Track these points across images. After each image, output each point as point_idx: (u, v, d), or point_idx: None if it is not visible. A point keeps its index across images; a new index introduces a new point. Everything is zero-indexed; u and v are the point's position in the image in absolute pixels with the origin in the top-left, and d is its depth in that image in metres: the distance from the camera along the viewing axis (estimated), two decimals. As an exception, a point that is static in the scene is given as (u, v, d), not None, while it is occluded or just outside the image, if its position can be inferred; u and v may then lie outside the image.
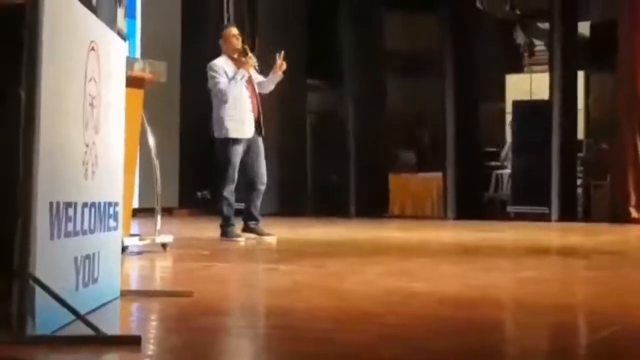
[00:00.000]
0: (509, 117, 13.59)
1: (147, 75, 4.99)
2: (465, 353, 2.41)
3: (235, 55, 7.06)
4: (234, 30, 7.22)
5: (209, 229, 7.53)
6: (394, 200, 13.11)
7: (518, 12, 15.21)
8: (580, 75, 12.80)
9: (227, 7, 13.27)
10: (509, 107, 13.65)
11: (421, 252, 6.55)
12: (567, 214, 11.51)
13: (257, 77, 7.21)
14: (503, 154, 13.74)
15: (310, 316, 3.24)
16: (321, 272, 4.82)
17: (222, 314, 3.09)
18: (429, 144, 14.32)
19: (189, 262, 5.06)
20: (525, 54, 15.42)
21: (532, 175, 11.89)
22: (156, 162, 5.48)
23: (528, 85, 14.46)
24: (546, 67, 12.74)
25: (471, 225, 10.61)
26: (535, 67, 14.89)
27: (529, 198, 11.96)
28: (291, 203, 12.50)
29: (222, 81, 6.91)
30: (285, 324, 2.93)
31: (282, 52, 7.19)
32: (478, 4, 13.49)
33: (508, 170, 13.03)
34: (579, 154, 12.56)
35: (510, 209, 12.31)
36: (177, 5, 12.75)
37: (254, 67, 7.10)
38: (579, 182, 12.36)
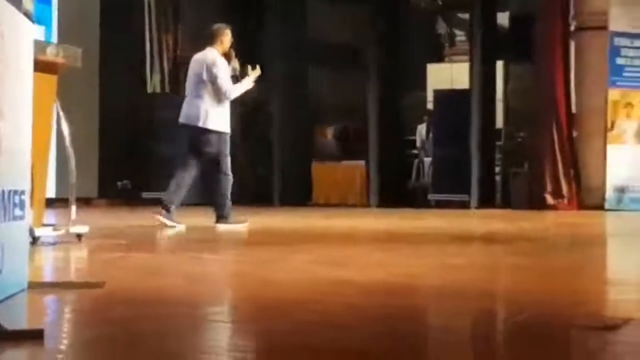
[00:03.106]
0: (429, 106, 13.72)
1: (60, 60, 4.82)
2: (392, 339, 2.40)
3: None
4: (230, 32, 7.46)
5: (128, 219, 7.41)
6: (318, 188, 13.12)
7: (440, 2, 15.40)
8: (499, 65, 13.01)
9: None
10: (430, 96, 13.79)
11: (347, 240, 6.55)
12: (486, 201, 11.72)
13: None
14: (419, 142, 13.89)
15: (235, 305, 3.18)
16: (246, 261, 4.77)
17: (136, 305, 3.00)
18: (352, 132, 14.36)
19: (105, 253, 4.93)
20: (446, 44, 15.62)
21: (453, 164, 12.04)
22: (71, 151, 5.32)
23: (449, 74, 14.64)
24: (466, 57, 12.91)
25: (394, 213, 10.68)
26: (456, 57, 15.10)
27: (450, 186, 12.12)
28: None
29: (229, 83, 7.26)
30: (206, 314, 2.88)
31: (257, 67, 7.47)
32: (401, -6, 13.57)
33: (429, 159, 13.17)
34: (498, 143, 12.78)
35: (431, 196, 12.44)
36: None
37: (236, 72, 7.45)
38: (497, 170, 12.58)
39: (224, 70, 7.27)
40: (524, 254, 5.29)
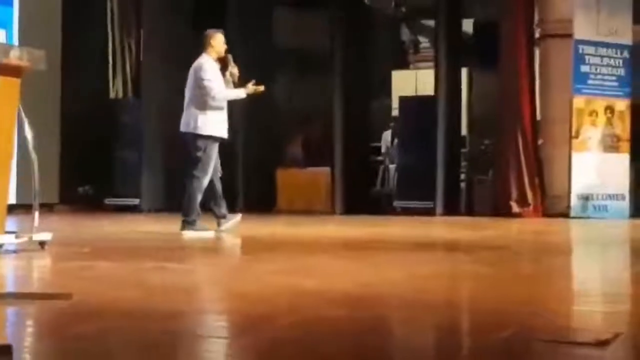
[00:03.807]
0: (394, 113, 13.72)
1: (24, 63, 4.69)
2: (359, 356, 2.33)
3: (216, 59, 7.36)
4: (223, 37, 7.41)
5: (91, 226, 7.26)
6: (282, 195, 13.05)
7: (403, 9, 15.41)
8: (464, 72, 13.04)
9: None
10: (395, 103, 13.79)
11: (311, 248, 6.47)
12: (451, 209, 11.73)
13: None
14: (384, 149, 13.89)
15: (198, 320, 3.09)
16: (209, 271, 4.68)
17: (103, 318, 2.90)
18: (317, 139, 14.31)
19: (69, 262, 4.81)
20: (411, 51, 15.65)
21: (418, 171, 12.04)
22: (34, 156, 5.19)
23: (413, 81, 14.66)
24: (431, 63, 12.93)
25: (359, 220, 10.64)
26: (421, 64, 15.13)
27: (415, 193, 12.11)
28: (179, 199, 12.22)
29: (216, 86, 7.16)
30: (171, 328, 2.78)
31: (262, 86, 7.46)
32: (366, 1, 13.57)
33: (394, 165, 13.16)
34: (463, 150, 12.80)
35: (396, 203, 12.43)
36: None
37: (234, 78, 7.40)
38: (462, 177, 12.60)
39: (211, 73, 7.20)
40: (490, 263, 5.26)
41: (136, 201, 12.15)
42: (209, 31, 7.44)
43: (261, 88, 7.41)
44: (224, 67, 7.39)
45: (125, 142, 12.35)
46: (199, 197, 7.19)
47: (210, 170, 7.18)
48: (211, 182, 7.25)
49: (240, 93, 7.37)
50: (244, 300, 3.41)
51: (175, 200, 12.13)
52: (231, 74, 7.38)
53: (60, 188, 11.96)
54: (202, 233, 7.09)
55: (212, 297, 3.62)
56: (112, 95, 12.96)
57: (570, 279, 4.86)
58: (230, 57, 7.41)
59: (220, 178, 7.41)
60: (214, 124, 7.21)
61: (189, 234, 7.05)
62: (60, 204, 11.83)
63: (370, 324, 2.87)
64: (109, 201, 12.23)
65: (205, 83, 7.16)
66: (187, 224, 7.15)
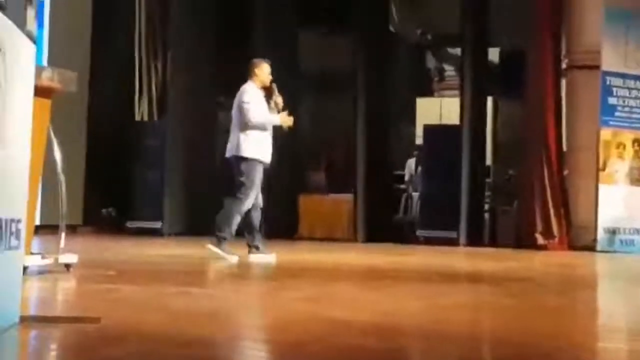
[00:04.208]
0: (418, 141, 13.66)
1: (55, 84, 4.70)
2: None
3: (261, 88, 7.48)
4: (269, 67, 7.51)
5: (115, 248, 7.24)
6: (304, 221, 12.97)
7: (429, 37, 15.42)
8: (489, 101, 12.99)
9: (139, 21, 12.97)
10: (419, 131, 13.73)
11: (335, 276, 6.43)
12: (475, 239, 11.61)
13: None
14: (407, 176, 13.82)
15: (231, 346, 3.05)
16: (236, 297, 4.63)
17: (129, 342, 2.86)
18: (339, 165, 14.27)
19: (95, 284, 4.79)
20: (436, 79, 15.63)
21: (441, 199, 11.94)
22: (62, 177, 5.19)
23: (438, 109, 14.62)
24: (455, 91, 12.89)
25: (381, 248, 10.56)
26: (445, 92, 15.10)
27: (438, 222, 12.01)
28: (200, 223, 12.20)
29: (253, 109, 7.23)
30: (203, 355, 2.74)
31: (291, 122, 7.54)
32: (391, 28, 13.58)
33: (417, 194, 13.08)
34: (487, 179, 12.71)
35: (419, 232, 12.32)
36: (87, 13, 12.36)
37: (278, 107, 7.48)
38: (486, 207, 12.49)
39: (251, 97, 7.28)
40: (513, 295, 5.20)
41: (158, 224, 12.12)
42: (255, 60, 7.57)
43: (290, 122, 7.47)
44: (268, 96, 7.46)
45: (149, 164, 12.35)
46: (236, 219, 7.18)
47: (253, 194, 7.19)
48: (249, 211, 7.24)
49: (276, 120, 7.42)
50: (273, 327, 3.37)
51: (197, 224, 12.18)
52: (275, 103, 7.45)
53: (84, 209, 11.96)
54: (225, 255, 7.03)
55: (238, 323, 3.58)
56: (137, 117, 13.00)
57: (596, 313, 4.78)
58: (274, 86, 7.49)
59: (261, 209, 7.39)
60: (255, 146, 7.25)
61: (212, 249, 7.02)
62: (83, 225, 11.83)
63: (396, 354, 2.89)
64: (131, 224, 12.22)
65: (244, 105, 7.26)
66: (218, 239, 7.12)
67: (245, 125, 7.24)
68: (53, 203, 5.49)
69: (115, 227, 12.09)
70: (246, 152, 7.21)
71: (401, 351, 3.00)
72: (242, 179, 7.16)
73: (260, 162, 7.27)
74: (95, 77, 11.88)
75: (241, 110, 7.26)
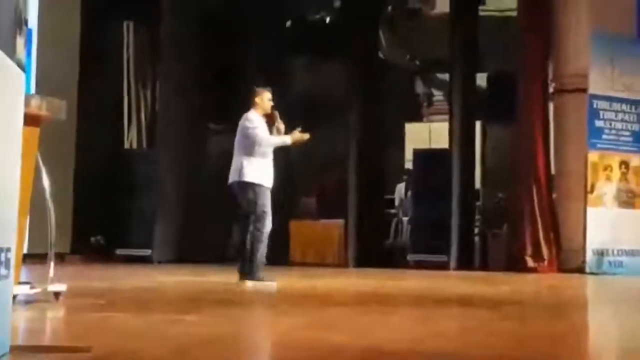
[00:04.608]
0: (408, 165, 13.69)
1: (43, 112, 4.68)
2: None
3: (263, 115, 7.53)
4: (270, 95, 7.57)
5: (104, 277, 7.19)
6: (295, 247, 12.95)
7: (418, 62, 15.51)
8: (478, 125, 13.04)
9: (128, 49, 13.00)
10: (408, 155, 13.76)
11: (330, 301, 6.41)
12: (465, 262, 11.61)
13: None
14: (397, 201, 13.82)
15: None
16: (232, 324, 4.59)
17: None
18: (330, 190, 14.26)
19: (85, 313, 4.74)
20: (425, 104, 15.70)
21: (431, 224, 11.96)
22: (50, 205, 5.15)
23: (427, 134, 14.67)
24: (444, 116, 12.94)
25: (372, 273, 10.53)
26: (434, 117, 15.16)
27: (428, 246, 12.02)
28: (191, 250, 12.17)
29: (261, 132, 7.29)
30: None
31: (308, 135, 7.59)
32: (380, 54, 13.65)
33: (407, 218, 13.09)
34: (477, 203, 12.72)
35: (410, 257, 12.31)
36: (75, 41, 12.37)
37: (280, 134, 7.51)
38: (476, 230, 12.50)
39: (255, 122, 7.33)
40: (509, 318, 5.19)
41: (148, 252, 12.07)
42: (256, 89, 7.63)
43: (307, 136, 7.52)
44: (270, 124, 7.49)
45: (138, 192, 12.33)
46: (261, 250, 7.21)
47: (269, 220, 7.21)
48: (251, 234, 7.26)
49: (286, 139, 7.46)
50: (275, 354, 3.34)
51: (187, 251, 12.13)
52: (278, 130, 7.50)
53: (72, 238, 11.89)
54: (264, 284, 7.07)
55: (239, 350, 3.54)
56: (126, 145, 12.99)
57: (594, 334, 4.77)
58: (276, 113, 7.55)
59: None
60: (259, 171, 7.28)
61: (250, 284, 7.05)
62: (71, 253, 11.76)
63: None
64: (120, 252, 12.16)
65: (250, 131, 7.29)
66: (243, 274, 7.16)
67: (251, 149, 7.26)
68: (40, 231, 5.45)
69: (103, 255, 12.03)
70: (248, 177, 7.23)
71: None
72: (252, 208, 7.17)
73: (267, 187, 7.29)
74: (84, 105, 11.87)
75: (248, 136, 7.29)
